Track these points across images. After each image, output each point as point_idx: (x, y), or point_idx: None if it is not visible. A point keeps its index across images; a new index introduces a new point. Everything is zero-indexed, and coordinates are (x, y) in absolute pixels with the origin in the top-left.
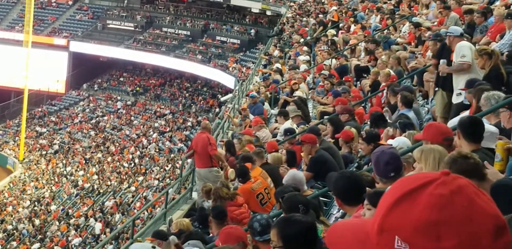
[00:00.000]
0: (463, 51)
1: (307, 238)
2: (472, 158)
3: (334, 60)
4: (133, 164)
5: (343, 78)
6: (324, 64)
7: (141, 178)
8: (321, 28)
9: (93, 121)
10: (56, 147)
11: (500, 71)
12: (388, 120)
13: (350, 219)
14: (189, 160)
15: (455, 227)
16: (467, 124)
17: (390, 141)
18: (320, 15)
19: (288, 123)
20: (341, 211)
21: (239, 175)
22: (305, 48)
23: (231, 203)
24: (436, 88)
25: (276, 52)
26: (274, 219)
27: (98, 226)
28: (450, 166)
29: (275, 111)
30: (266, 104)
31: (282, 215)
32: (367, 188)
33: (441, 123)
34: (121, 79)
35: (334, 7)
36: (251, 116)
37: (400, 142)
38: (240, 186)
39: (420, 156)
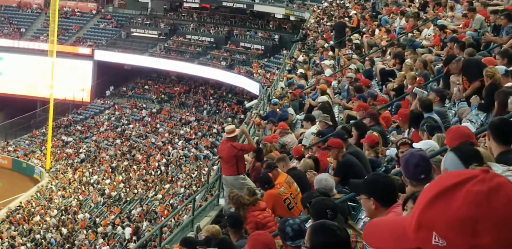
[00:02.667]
0: None
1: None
2: None
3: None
4: (159, 172)
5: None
6: (350, 68)
7: (167, 186)
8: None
9: (119, 129)
10: (82, 156)
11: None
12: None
13: (388, 215)
14: (215, 167)
15: (492, 224)
16: (498, 125)
17: (417, 144)
18: (343, 19)
19: (314, 129)
20: None
21: (261, 184)
22: (331, 53)
23: (254, 207)
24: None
25: (301, 57)
26: (306, 224)
27: (128, 231)
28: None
29: (301, 116)
30: (290, 109)
31: (310, 220)
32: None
33: (462, 126)
34: (146, 87)
35: (354, 11)
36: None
37: (429, 145)
38: (265, 192)
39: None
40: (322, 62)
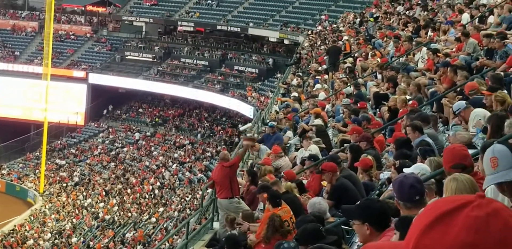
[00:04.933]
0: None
1: None
2: None
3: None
4: (153, 195)
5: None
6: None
7: (161, 209)
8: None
9: (113, 152)
10: (76, 179)
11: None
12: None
13: (380, 241)
14: (209, 190)
15: None
16: None
17: (407, 169)
18: (337, 43)
19: (312, 147)
20: None
21: (273, 199)
22: (326, 76)
23: (281, 238)
24: None
25: (295, 81)
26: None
27: None
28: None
29: (294, 141)
30: (290, 132)
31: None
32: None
33: (457, 146)
34: (140, 110)
35: (346, 37)
36: (263, 148)
37: (420, 168)
38: (264, 213)
39: (445, 187)
40: (314, 88)
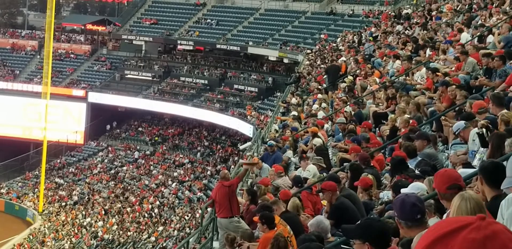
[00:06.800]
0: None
1: None
2: None
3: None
4: (152, 214)
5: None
6: (345, 111)
7: (161, 228)
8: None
9: (112, 171)
10: (75, 198)
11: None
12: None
13: None
14: (209, 209)
15: None
16: (490, 169)
17: (405, 189)
18: (336, 62)
19: (311, 168)
20: None
21: (266, 222)
22: (320, 95)
23: None
24: None
25: (294, 100)
26: None
27: None
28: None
29: (295, 159)
30: (290, 152)
31: None
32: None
33: (449, 170)
34: (140, 129)
35: (343, 58)
36: (265, 166)
37: (417, 188)
38: (262, 234)
39: (452, 204)
40: (312, 107)
